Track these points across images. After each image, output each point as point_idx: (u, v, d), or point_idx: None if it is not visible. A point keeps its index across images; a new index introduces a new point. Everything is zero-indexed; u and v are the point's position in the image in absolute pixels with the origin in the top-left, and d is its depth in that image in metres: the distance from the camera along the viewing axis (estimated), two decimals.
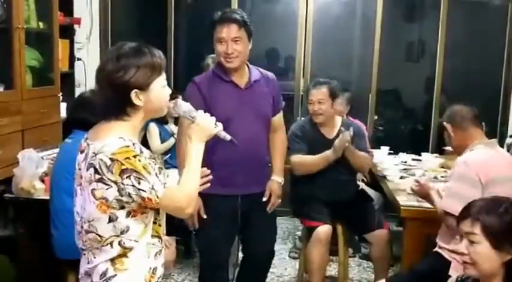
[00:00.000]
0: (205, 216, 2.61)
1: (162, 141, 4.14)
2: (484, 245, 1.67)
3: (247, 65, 2.68)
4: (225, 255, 2.76)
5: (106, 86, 1.66)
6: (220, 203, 2.60)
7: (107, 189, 1.62)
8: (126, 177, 1.60)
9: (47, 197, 2.81)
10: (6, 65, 3.21)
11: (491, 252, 1.66)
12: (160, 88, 1.72)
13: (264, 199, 2.73)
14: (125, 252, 1.69)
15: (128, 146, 1.62)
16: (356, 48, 5.44)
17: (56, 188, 2.66)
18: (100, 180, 1.62)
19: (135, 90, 1.65)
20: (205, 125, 1.80)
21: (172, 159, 3.87)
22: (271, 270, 3.26)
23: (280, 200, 2.79)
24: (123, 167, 1.59)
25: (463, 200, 2.34)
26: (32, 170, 3.03)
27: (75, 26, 4.44)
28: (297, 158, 3.28)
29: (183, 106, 1.83)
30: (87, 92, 2.76)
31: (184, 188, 1.72)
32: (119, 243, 1.68)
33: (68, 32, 4.14)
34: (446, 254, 2.49)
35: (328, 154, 3.18)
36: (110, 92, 1.66)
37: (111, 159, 1.60)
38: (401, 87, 5.40)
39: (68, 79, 4.18)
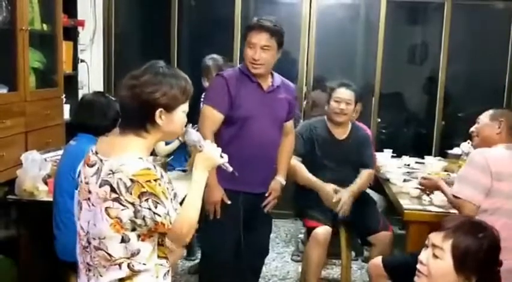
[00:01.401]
0: (229, 202, 2.69)
1: (167, 143, 4.15)
2: (447, 262, 1.62)
3: (271, 72, 2.79)
4: (228, 251, 2.77)
5: (135, 96, 1.66)
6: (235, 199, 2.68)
7: (122, 209, 1.60)
8: (145, 200, 1.59)
9: (50, 199, 2.81)
10: (10, 67, 3.21)
11: (451, 272, 1.60)
12: (182, 113, 1.74)
13: (266, 195, 2.82)
14: (133, 274, 1.68)
15: (149, 169, 1.61)
16: (359, 51, 5.43)
17: (59, 190, 2.66)
18: (116, 200, 1.60)
19: (161, 109, 1.66)
20: (211, 155, 1.83)
21: (174, 161, 3.87)
22: (273, 272, 3.26)
23: (276, 201, 2.87)
24: (143, 190, 1.58)
25: (472, 185, 2.40)
26: (35, 172, 3.03)
27: (79, 28, 4.44)
28: (296, 164, 3.30)
29: (193, 135, 1.85)
30: (90, 94, 2.75)
31: (186, 216, 1.71)
32: (128, 266, 1.66)
33: (71, 34, 4.15)
34: None
35: (321, 188, 3.24)
36: (136, 103, 1.66)
37: (131, 180, 1.58)
38: (404, 90, 5.39)
39: (72, 81, 4.18)
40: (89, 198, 1.68)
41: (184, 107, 1.74)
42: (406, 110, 5.49)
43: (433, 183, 2.81)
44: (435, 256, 1.64)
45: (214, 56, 3.99)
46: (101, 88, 5.09)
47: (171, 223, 1.64)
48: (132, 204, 1.59)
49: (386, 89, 5.15)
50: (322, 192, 3.24)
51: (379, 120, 5.14)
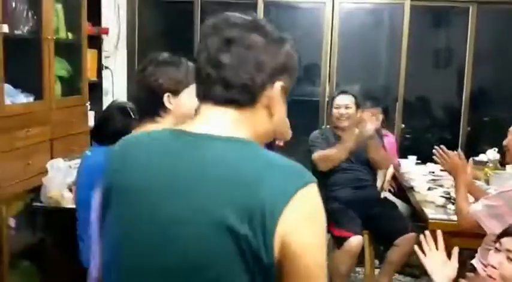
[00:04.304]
0: None
1: None
2: None
3: None
4: None
5: (143, 87, 1.81)
6: None
7: None
8: None
9: (75, 206, 2.83)
10: (36, 76, 3.25)
11: None
12: (191, 96, 1.79)
13: None
14: None
15: None
16: (382, 56, 5.39)
17: (80, 203, 2.66)
18: None
19: (168, 93, 1.78)
20: None
21: None
22: None
23: None
24: None
25: (496, 217, 2.26)
26: (60, 180, 3.08)
27: (103, 35, 4.49)
28: (318, 154, 3.40)
29: None
30: (111, 107, 2.74)
31: None
32: None
33: (96, 42, 4.19)
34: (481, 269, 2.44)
35: (346, 144, 3.31)
36: (145, 93, 1.81)
37: None
38: (428, 95, 5.33)
39: (96, 88, 4.22)
40: None
41: (191, 90, 1.74)
42: (431, 115, 5.42)
43: (454, 169, 2.55)
44: (510, 260, 1.64)
45: None
46: (124, 94, 5.13)
47: None
48: None
49: (410, 95, 5.09)
50: (348, 142, 3.31)
51: (403, 126, 5.08)
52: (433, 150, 2.64)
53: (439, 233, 2.03)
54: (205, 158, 1.00)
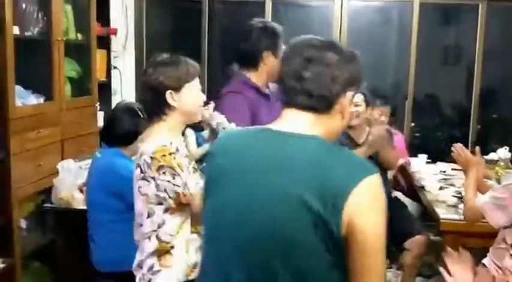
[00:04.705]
0: None
1: (198, 146, 4.17)
2: None
3: None
4: None
5: (146, 88, 1.90)
6: None
7: (147, 185, 1.82)
8: (163, 173, 1.79)
9: (85, 207, 2.84)
10: (46, 77, 3.26)
11: None
12: (193, 92, 1.93)
13: None
14: (165, 248, 1.86)
15: (165, 145, 1.82)
16: (391, 54, 5.36)
17: (91, 204, 2.67)
18: (143, 178, 1.83)
19: (170, 91, 1.86)
20: None
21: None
22: None
23: None
24: (160, 164, 1.79)
25: (502, 209, 2.27)
26: (71, 181, 3.09)
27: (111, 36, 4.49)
28: None
29: (217, 117, 2.11)
30: (119, 108, 2.73)
31: None
32: (157, 237, 1.85)
33: (104, 42, 4.19)
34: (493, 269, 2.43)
35: (361, 151, 3.17)
36: (149, 93, 1.90)
37: (151, 157, 1.80)
38: (438, 94, 5.30)
39: (105, 88, 4.23)
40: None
41: (192, 86, 1.92)
42: (440, 113, 5.39)
43: (467, 164, 2.55)
44: None
45: None
46: (133, 94, 5.13)
47: (191, 194, 1.81)
48: (153, 178, 1.80)
49: (419, 93, 5.07)
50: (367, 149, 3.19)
51: (413, 124, 5.06)
52: (451, 148, 2.64)
53: (461, 251, 1.99)
54: (287, 149, 1.26)
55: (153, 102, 1.90)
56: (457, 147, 2.62)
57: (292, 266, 1.19)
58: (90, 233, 2.69)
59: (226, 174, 1.31)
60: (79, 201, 3.07)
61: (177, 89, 1.88)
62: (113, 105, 4.32)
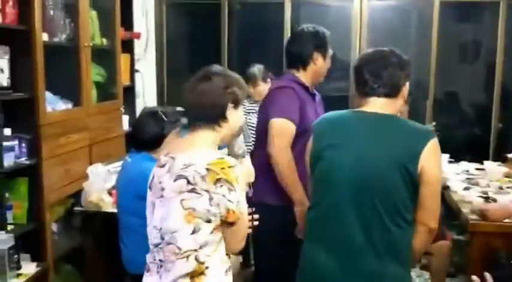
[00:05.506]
0: None
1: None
2: None
3: None
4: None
5: (210, 94, 1.80)
6: (287, 214, 2.60)
7: (197, 198, 1.69)
8: (220, 186, 1.68)
9: (115, 210, 2.88)
10: (74, 83, 3.30)
11: None
12: (241, 113, 1.91)
13: None
14: (201, 269, 1.73)
15: (223, 158, 1.73)
16: (412, 53, 5.32)
17: (122, 208, 2.70)
18: (192, 191, 1.70)
19: (231, 104, 1.83)
20: (251, 171, 2.09)
21: None
22: None
23: None
24: (218, 176, 1.68)
25: None
26: (100, 184, 3.13)
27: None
28: None
29: (242, 146, 2.13)
30: (144, 113, 2.77)
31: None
32: (195, 258, 1.72)
33: (128, 46, 4.22)
34: None
35: None
36: (210, 101, 1.80)
37: (206, 169, 1.69)
38: (459, 92, 5.28)
39: (129, 92, 4.27)
40: (162, 196, 1.78)
41: (241, 108, 1.91)
42: (461, 112, 5.37)
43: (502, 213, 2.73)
44: None
45: (258, 65, 4.27)
46: (154, 96, 5.19)
47: (241, 213, 1.73)
48: (207, 191, 1.68)
49: (440, 91, 5.06)
50: None
51: (434, 123, 5.04)
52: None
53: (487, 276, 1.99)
54: (377, 123, 1.94)
55: (211, 112, 1.81)
56: None
57: (386, 199, 1.84)
58: (121, 236, 2.73)
59: (340, 142, 1.93)
60: (108, 204, 3.12)
61: (237, 105, 1.85)
62: (137, 109, 4.38)
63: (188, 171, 1.71)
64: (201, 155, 1.74)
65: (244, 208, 1.76)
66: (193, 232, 1.71)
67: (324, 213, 1.95)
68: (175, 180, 1.73)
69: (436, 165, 1.86)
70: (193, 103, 1.83)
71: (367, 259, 1.85)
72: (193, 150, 1.77)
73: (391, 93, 1.95)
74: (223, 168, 1.69)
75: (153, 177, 1.88)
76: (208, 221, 1.71)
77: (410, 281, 2.02)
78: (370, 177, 1.85)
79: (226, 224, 1.73)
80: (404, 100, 2.04)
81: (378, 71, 1.94)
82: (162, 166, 1.82)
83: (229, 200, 1.69)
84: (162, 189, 1.78)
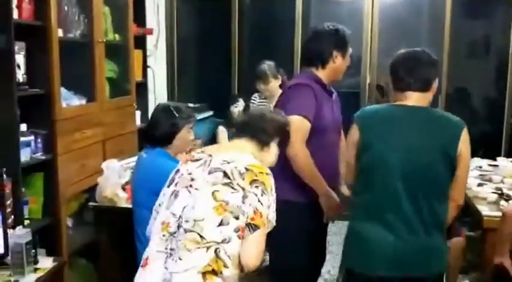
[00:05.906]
0: None
1: None
2: None
3: None
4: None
5: (272, 126, 2.10)
6: (304, 212, 2.60)
7: (232, 193, 1.78)
8: (255, 187, 1.79)
9: (129, 205, 2.89)
10: (88, 78, 3.31)
11: None
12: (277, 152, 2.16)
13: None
14: (218, 268, 1.72)
15: (262, 166, 1.88)
16: (423, 48, 5.31)
17: (137, 204, 2.70)
18: (227, 184, 1.79)
19: (278, 138, 2.11)
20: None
21: None
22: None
23: None
24: (255, 178, 1.80)
25: None
26: (114, 180, 3.13)
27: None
28: None
29: None
30: (158, 109, 2.78)
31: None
32: (215, 251, 1.73)
33: (140, 42, 4.22)
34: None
35: None
36: (272, 129, 2.08)
37: (246, 168, 1.82)
38: (471, 88, 5.26)
39: (141, 88, 4.27)
40: (190, 185, 1.86)
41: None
42: (473, 108, 5.34)
43: None
44: None
45: (268, 62, 4.23)
46: (165, 93, 5.20)
47: (267, 219, 1.79)
48: (243, 188, 1.78)
49: (452, 88, 5.04)
50: None
51: None
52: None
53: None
54: (418, 115, 2.16)
55: (265, 136, 2.05)
56: None
57: (434, 183, 2.10)
58: (138, 234, 2.74)
59: (389, 133, 2.14)
60: (123, 200, 3.12)
61: (280, 146, 2.14)
62: (149, 105, 4.39)
63: (227, 166, 1.82)
64: (243, 157, 1.88)
65: (272, 218, 1.82)
66: (221, 224, 1.75)
67: (379, 198, 2.14)
68: (210, 173, 1.84)
69: (469, 148, 2.13)
70: (257, 126, 2.05)
71: (421, 236, 2.11)
72: (234, 152, 1.92)
73: (424, 88, 2.17)
74: (261, 172, 1.82)
75: (177, 170, 1.96)
76: (237, 218, 1.75)
77: (447, 251, 2.30)
78: (419, 164, 2.09)
79: (249, 227, 1.76)
80: (433, 94, 2.25)
81: (412, 69, 2.18)
82: (195, 160, 1.91)
83: (259, 201, 1.77)
84: (192, 179, 1.86)
